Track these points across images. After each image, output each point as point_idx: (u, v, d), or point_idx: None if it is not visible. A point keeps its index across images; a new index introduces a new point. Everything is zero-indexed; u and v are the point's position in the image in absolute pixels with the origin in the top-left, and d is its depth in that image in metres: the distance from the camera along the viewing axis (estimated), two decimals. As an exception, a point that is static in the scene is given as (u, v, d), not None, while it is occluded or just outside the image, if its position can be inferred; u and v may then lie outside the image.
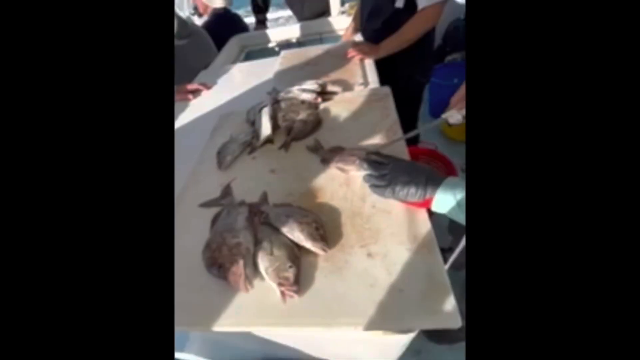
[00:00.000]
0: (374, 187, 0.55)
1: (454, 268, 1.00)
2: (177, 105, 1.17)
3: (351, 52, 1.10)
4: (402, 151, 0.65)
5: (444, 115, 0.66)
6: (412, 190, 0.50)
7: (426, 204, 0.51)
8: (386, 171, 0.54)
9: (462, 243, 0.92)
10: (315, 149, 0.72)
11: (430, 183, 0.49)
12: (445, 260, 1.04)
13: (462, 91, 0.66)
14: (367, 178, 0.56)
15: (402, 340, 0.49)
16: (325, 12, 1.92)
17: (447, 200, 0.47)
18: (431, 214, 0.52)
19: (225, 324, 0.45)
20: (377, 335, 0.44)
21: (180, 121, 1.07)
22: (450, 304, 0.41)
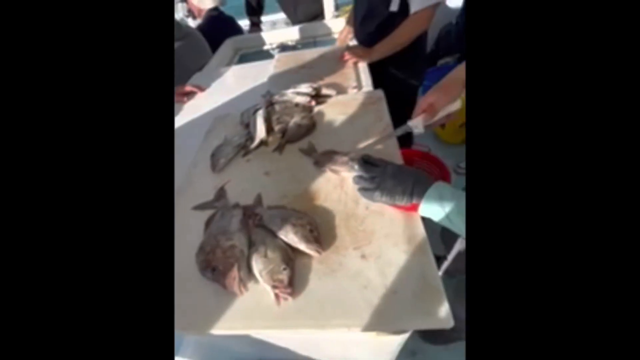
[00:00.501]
0: (362, 190, 0.55)
1: (446, 274, 1.01)
2: None
3: (345, 56, 1.10)
4: (395, 154, 0.66)
5: (410, 123, 0.67)
6: (399, 194, 0.50)
7: (414, 208, 0.51)
8: (375, 174, 0.54)
9: (455, 251, 0.93)
10: (309, 151, 0.72)
11: (416, 188, 0.50)
12: (438, 267, 1.05)
13: (429, 98, 0.66)
14: (356, 180, 0.56)
15: (397, 341, 0.49)
16: (318, 15, 1.93)
17: (434, 210, 0.48)
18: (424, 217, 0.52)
19: (219, 327, 0.45)
20: (371, 336, 0.44)
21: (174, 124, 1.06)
22: (442, 304, 0.41)
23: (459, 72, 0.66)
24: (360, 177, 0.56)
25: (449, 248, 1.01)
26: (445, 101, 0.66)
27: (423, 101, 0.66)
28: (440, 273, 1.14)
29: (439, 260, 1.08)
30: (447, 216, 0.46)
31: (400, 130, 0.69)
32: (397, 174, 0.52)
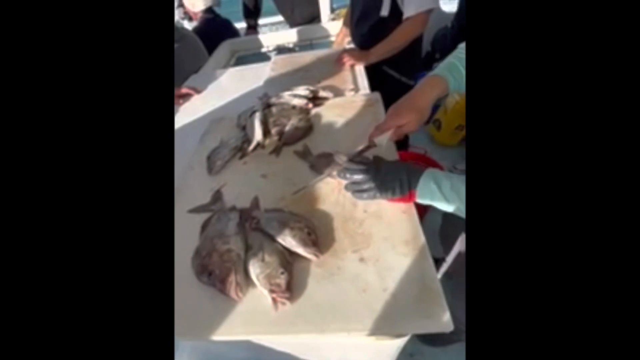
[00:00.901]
0: (359, 192, 0.55)
1: (445, 276, 1.01)
2: None
3: (343, 59, 1.11)
4: (393, 157, 0.65)
5: (376, 141, 0.62)
6: (397, 188, 0.51)
7: (411, 198, 0.52)
8: (369, 175, 0.54)
9: (454, 253, 0.93)
10: (304, 154, 0.72)
11: (411, 178, 0.51)
12: (437, 270, 1.04)
13: (400, 119, 0.59)
14: (349, 186, 0.56)
15: (396, 344, 0.49)
16: (315, 17, 1.93)
17: (431, 189, 0.49)
18: (422, 219, 0.52)
19: (216, 333, 0.44)
20: (371, 340, 0.43)
21: (169, 126, 1.06)
22: (442, 307, 0.41)
23: (431, 91, 0.60)
24: (353, 182, 0.56)
25: (447, 250, 1.01)
26: (417, 125, 0.60)
27: (392, 119, 0.60)
28: (439, 276, 1.14)
29: (438, 262, 1.08)
30: (444, 195, 0.47)
31: (365, 148, 0.63)
32: (390, 170, 0.53)
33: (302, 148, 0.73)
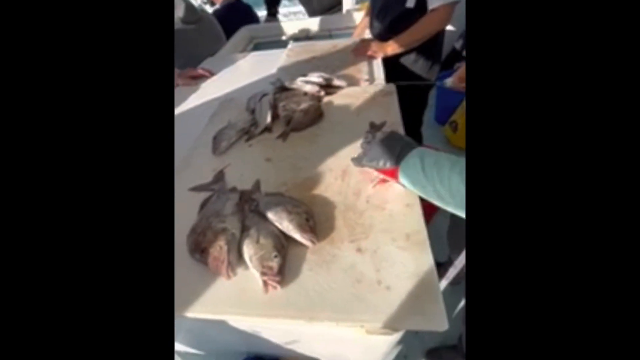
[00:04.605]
0: (352, 159, 0.56)
1: (452, 283, 0.97)
2: (178, 91, 1.15)
3: (360, 50, 1.08)
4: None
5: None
6: (387, 158, 0.49)
7: (394, 174, 0.49)
8: (369, 140, 0.54)
9: (461, 260, 0.89)
10: (377, 127, 0.68)
11: (404, 149, 0.48)
12: (442, 273, 1.00)
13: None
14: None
15: (387, 341, 0.47)
16: (334, 6, 1.90)
17: (414, 164, 0.45)
18: (429, 221, 0.50)
19: (203, 311, 0.43)
20: (360, 333, 0.42)
21: (180, 107, 1.05)
22: (438, 305, 0.39)
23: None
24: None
25: (454, 255, 0.97)
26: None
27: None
28: (446, 282, 1.11)
29: (442, 267, 1.04)
30: (424, 172, 0.43)
31: None
32: (388, 140, 0.51)
33: (379, 120, 0.70)
